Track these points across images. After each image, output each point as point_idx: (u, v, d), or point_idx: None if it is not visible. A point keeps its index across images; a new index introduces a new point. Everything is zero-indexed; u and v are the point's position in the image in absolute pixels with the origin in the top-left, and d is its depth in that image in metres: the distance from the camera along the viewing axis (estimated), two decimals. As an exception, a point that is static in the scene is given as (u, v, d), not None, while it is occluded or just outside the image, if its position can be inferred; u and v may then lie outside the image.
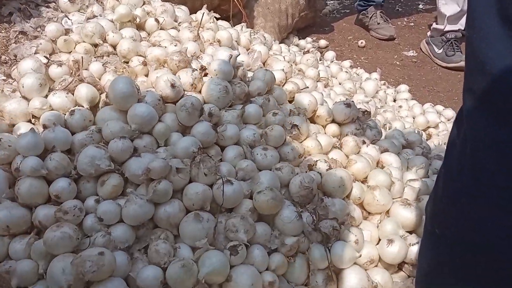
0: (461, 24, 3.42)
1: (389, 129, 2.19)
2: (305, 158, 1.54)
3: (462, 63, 3.35)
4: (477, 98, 0.74)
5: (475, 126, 0.75)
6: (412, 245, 1.35)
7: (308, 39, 3.50)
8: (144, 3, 1.94)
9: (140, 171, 1.23)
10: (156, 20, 1.85)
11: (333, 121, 1.77)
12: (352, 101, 1.83)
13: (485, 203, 0.76)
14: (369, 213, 1.50)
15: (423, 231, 0.98)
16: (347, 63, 3.10)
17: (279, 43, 2.85)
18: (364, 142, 1.70)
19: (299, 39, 3.46)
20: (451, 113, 2.70)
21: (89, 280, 1.03)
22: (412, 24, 4.05)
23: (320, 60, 2.98)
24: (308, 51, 3.17)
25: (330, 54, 3.22)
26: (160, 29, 1.86)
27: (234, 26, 2.39)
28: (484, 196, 0.76)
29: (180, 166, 1.26)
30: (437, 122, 2.52)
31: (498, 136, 0.70)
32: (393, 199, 1.49)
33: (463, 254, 0.83)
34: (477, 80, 0.72)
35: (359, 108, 1.84)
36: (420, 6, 4.39)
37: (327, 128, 1.75)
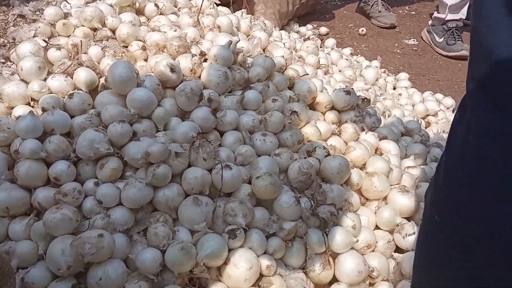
0: (463, 13, 3.40)
1: (388, 117, 2.19)
2: (304, 144, 1.55)
3: (463, 52, 3.35)
4: (481, 86, 0.74)
5: (479, 114, 0.74)
6: (409, 235, 1.35)
7: (309, 26, 3.47)
8: (143, -12, 1.93)
9: (139, 155, 1.24)
10: (156, 5, 1.84)
11: (332, 108, 1.77)
12: (352, 88, 1.83)
13: (487, 190, 0.76)
14: (367, 199, 1.51)
15: (422, 218, 0.98)
16: (347, 51, 3.09)
17: (280, 29, 2.83)
18: (363, 129, 1.70)
19: (300, 26, 3.44)
20: (450, 102, 2.70)
21: (88, 262, 1.04)
22: (413, 12, 4.03)
23: (320, 47, 2.97)
24: (308, 38, 3.16)
25: (330, 42, 3.20)
26: (160, 14, 1.85)
27: (234, 12, 2.37)
28: (486, 183, 0.76)
29: (179, 150, 1.26)
30: (437, 110, 2.52)
31: (502, 123, 0.70)
32: (391, 185, 1.50)
33: (464, 242, 0.83)
34: (482, 69, 0.72)
35: (358, 96, 1.84)
36: (422, -6, 4.36)
37: (326, 115, 1.76)
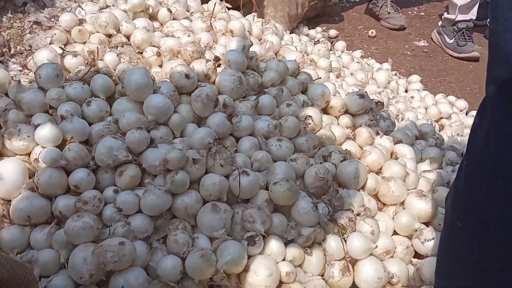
0: (473, 13, 3.39)
1: (401, 120, 2.19)
2: (319, 149, 1.54)
3: (474, 53, 3.33)
4: (500, 89, 0.74)
5: (497, 118, 0.74)
6: (428, 240, 1.34)
7: (318, 28, 3.47)
8: (156, -7, 1.93)
9: (157, 162, 1.24)
10: (169, 10, 1.84)
11: (346, 112, 1.76)
12: (366, 92, 1.83)
13: (505, 194, 0.76)
14: (384, 204, 1.50)
15: (443, 224, 0.98)
16: (358, 53, 3.08)
17: (289, 33, 2.83)
18: (377, 133, 1.69)
19: (309, 29, 3.43)
20: (463, 104, 2.69)
21: (110, 270, 1.04)
22: (422, 13, 4.01)
23: (330, 50, 2.96)
24: (318, 41, 3.15)
25: (340, 44, 3.20)
26: (173, 19, 1.85)
27: (244, 16, 2.37)
28: (504, 187, 0.76)
29: (196, 157, 1.26)
30: (450, 113, 2.51)
31: None
32: (408, 190, 1.49)
33: (483, 247, 0.83)
34: (501, 72, 0.72)
35: (372, 99, 1.84)
36: (431, -5, 4.35)
37: (340, 119, 1.75)
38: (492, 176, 0.77)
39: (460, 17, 3.37)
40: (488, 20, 0.81)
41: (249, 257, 1.18)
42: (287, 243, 1.26)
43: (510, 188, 0.75)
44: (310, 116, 1.57)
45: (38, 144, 1.24)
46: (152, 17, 1.84)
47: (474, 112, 2.56)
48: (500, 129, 0.74)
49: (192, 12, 2.01)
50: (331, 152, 1.51)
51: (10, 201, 1.19)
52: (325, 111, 1.76)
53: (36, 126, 1.25)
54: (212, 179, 1.26)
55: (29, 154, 1.25)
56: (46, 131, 1.20)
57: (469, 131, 2.35)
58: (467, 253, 0.87)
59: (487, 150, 0.77)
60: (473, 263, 0.85)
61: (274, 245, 1.22)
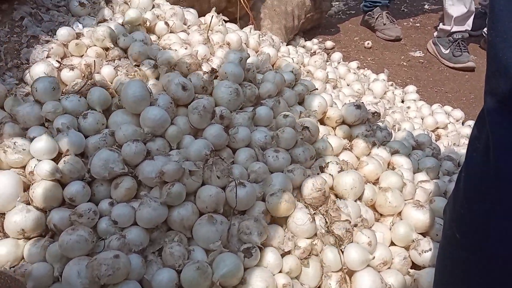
0: (468, 24, 3.41)
1: (398, 130, 2.19)
2: (316, 160, 1.54)
3: (470, 64, 3.35)
4: (500, 101, 0.74)
5: (497, 129, 0.74)
6: (425, 251, 1.34)
7: (314, 40, 3.50)
8: (153, 7, 1.95)
9: (154, 174, 1.24)
10: (166, 23, 1.85)
11: (343, 122, 1.77)
12: (362, 102, 1.83)
13: (507, 207, 0.76)
14: (381, 215, 1.49)
15: (442, 235, 0.97)
16: (354, 64, 3.10)
17: (286, 44, 2.85)
18: (374, 144, 1.70)
19: (305, 40, 3.46)
20: (459, 114, 2.70)
21: (104, 283, 1.04)
22: (418, 24, 4.05)
23: (327, 61, 2.98)
24: (315, 53, 3.18)
25: (336, 55, 3.22)
26: (170, 32, 1.86)
27: (241, 28, 2.39)
28: (506, 200, 0.75)
29: (193, 168, 1.26)
30: (446, 122, 2.52)
31: None
32: (405, 200, 1.49)
33: (483, 260, 0.82)
34: (500, 83, 0.72)
35: (368, 110, 1.84)
36: (426, 7, 4.39)
37: (337, 130, 1.75)
38: (492, 188, 0.77)
39: (455, 28, 3.40)
40: (485, 30, 0.82)
41: (246, 269, 1.17)
42: (283, 254, 1.25)
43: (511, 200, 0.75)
44: (307, 127, 1.58)
45: (33, 157, 1.23)
46: (150, 30, 1.85)
47: (470, 122, 2.58)
48: (501, 142, 0.74)
49: (189, 25, 2.02)
50: (328, 163, 1.51)
51: (4, 214, 1.19)
52: (322, 122, 1.76)
53: (31, 139, 1.25)
54: (209, 190, 1.26)
55: (24, 167, 1.25)
56: (41, 144, 1.20)
57: (465, 141, 2.36)
58: (467, 265, 0.86)
59: (487, 162, 0.77)
60: (473, 275, 0.85)
61: (270, 257, 1.21)
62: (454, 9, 3.35)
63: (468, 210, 0.84)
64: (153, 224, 1.19)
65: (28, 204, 1.19)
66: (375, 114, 1.89)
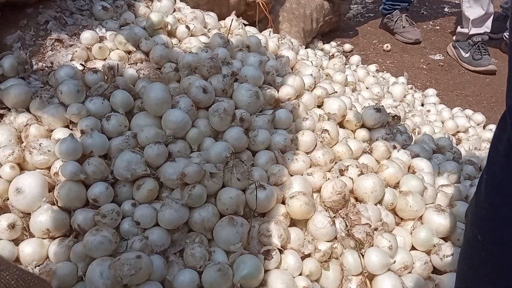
0: (487, 26, 3.36)
1: (418, 134, 2.17)
2: (335, 163, 1.54)
3: (491, 67, 3.30)
4: None
5: None
6: (447, 256, 1.32)
7: (333, 43, 3.49)
8: (174, 10, 1.97)
9: (175, 176, 1.25)
10: (187, 27, 1.87)
11: (362, 126, 1.76)
12: (382, 105, 1.82)
13: None
14: (402, 219, 1.48)
15: (463, 238, 0.96)
16: (373, 67, 3.08)
17: (305, 47, 2.85)
18: (394, 147, 1.68)
19: (324, 43, 3.45)
20: (481, 118, 2.66)
21: (126, 284, 1.05)
22: (437, 27, 4.01)
23: (345, 64, 2.97)
24: (333, 56, 3.17)
25: (355, 58, 3.20)
26: (191, 35, 1.88)
27: (260, 31, 2.40)
28: None
29: (213, 171, 1.27)
30: (467, 126, 2.48)
31: None
32: (426, 205, 1.47)
33: (504, 261, 0.81)
34: None
35: (388, 113, 1.83)
36: (446, 10, 4.34)
37: (356, 133, 1.75)
38: None
39: (473, 30, 3.35)
40: (506, 33, 0.81)
41: (266, 271, 1.18)
42: (304, 257, 1.25)
43: None
44: (327, 130, 1.58)
45: (58, 158, 1.26)
46: (171, 34, 1.88)
47: (491, 126, 2.53)
48: None
49: (209, 29, 2.04)
50: (348, 166, 1.51)
51: (30, 214, 1.21)
52: (341, 125, 1.76)
53: (56, 141, 1.28)
54: (229, 193, 1.26)
55: (49, 168, 1.28)
56: (66, 146, 1.22)
57: (486, 145, 2.33)
58: (491, 267, 0.85)
59: (508, 164, 0.76)
60: (494, 277, 0.84)
61: (291, 259, 1.22)
62: (471, 11, 3.30)
63: (489, 212, 0.83)
64: (174, 225, 1.20)
65: (53, 204, 1.22)
66: (395, 117, 1.88)
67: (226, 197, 1.25)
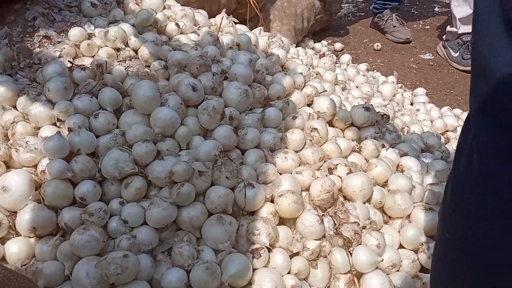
0: (476, 26, 3.37)
1: (407, 133, 2.18)
2: (324, 161, 1.54)
3: (480, 67, 3.32)
4: (483, 104, 0.74)
5: (481, 133, 0.75)
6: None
7: (324, 42, 3.49)
8: (164, 8, 1.96)
9: (164, 174, 1.25)
10: (177, 24, 1.86)
11: (352, 124, 1.77)
12: (371, 104, 1.83)
13: (488, 209, 0.76)
14: (390, 217, 1.49)
15: (436, 234, 0.98)
16: (363, 66, 3.09)
17: (295, 46, 2.86)
18: (383, 146, 1.69)
19: (315, 42, 3.46)
20: (469, 117, 2.67)
21: (113, 283, 1.04)
22: (428, 27, 4.03)
23: (336, 63, 2.98)
24: (324, 54, 3.17)
25: (346, 57, 3.21)
26: (180, 33, 1.87)
27: (250, 29, 2.39)
28: (488, 202, 0.76)
29: (202, 169, 1.27)
30: (456, 125, 2.50)
31: (502, 142, 0.71)
32: (414, 203, 1.48)
33: (474, 259, 0.82)
34: (483, 88, 0.72)
35: (378, 112, 1.84)
36: (436, 9, 4.36)
37: (346, 132, 1.75)
38: (474, 191, 0.78)
39: (462, 29, 3.36)
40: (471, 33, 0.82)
41: (254, 270, 1.18)
42: (292, 256, 1.25)
43: (493, 203, 0.75)
44: (316, 129, 1.58)
45: (45, 156, 1.25)
46: (160, 32, 1.86)
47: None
48: (484, 145, 0.74)
49: (199, 26, 2.03)
50: (337, 164, 1.51)
51: (16, 212, 1.20)
52: (330, 124, 1.76)
53: (43, 139, 1.27)
54: (218, 191, 1.26)
55: (36, 166, 1.26)
56: (53, 143, 1.21)
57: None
58: (456, 265, 0.86)
59: (471, 164, 0.78)
60: (462, 275, 0.85)
61: (279, 258, 1.22)
62: (459, 10, 3.31)
63: (455, 210, 0.85)
64: (162, 224, 1.20)
65: (40, 202, 1.20)
66: (384, 116, 1.89)
67: (215, 196, 1.25)
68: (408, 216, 1.46)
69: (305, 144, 1.52)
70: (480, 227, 0.78)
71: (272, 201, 1.34)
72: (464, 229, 0.82)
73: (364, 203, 1.43)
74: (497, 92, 0.69)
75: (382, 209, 1.48)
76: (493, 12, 0.69)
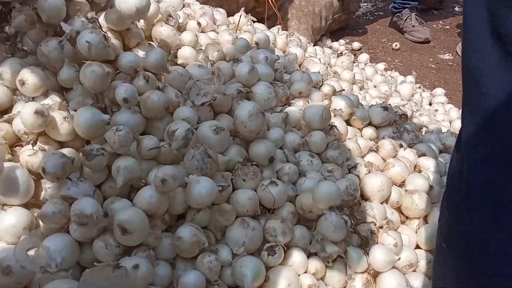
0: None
1: (425, 133, 2.17)
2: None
3: (500, 67, 3.28)
4: (471, 110, 0.75)
5: (469, 139, 0.76)
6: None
7: (341, 41, 3.49)
8: (183, 6, 1.97)
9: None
10: (198, 23, 1.87)
11: (369, 124, 1.76)
12: (389, 104, 1.82)
13: (479, 219, 0.77)
14: (407, 217, 1.49)
15: (435, 243, 0.98)
16: (381, 66, 3.08)
17: (313, 45, 2.86)
18: (401, 146, 1.68)
19: (332, 41, 3.46)
20: (489, 118, 2.64)
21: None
22: (447, 27, 3.98)
23: (354, 62, 2.97)
24: (341, 54, 3.17)
25: (363, 57, 3.20)
26: (200, 31, 1.89)
27: (268, 28, 2.40)
28: (478, 212, 0.77)
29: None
30: (475, 126, 2.47)
31: (490, 149, 0.72)
32: (431, 204, 1.48)
33: (466, 269, 0.83)
34: (472, 93, 0.74)
35: (396, 111, 1.83)
36: (456, 9, 4.31)
37: (363, 131, 1.75)
38: (466, 200, 0.79)
39: (482, 30, 3.32)
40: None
41: (270, 267, 1.18)
42: (310, 255, 1.25)
43: (483, 213, 0.76)
44: (335, 126, 1.58)
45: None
46: (182, 29, 1.87)
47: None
48: (472, 151, 0.75)
49: (218, 25, 2.04)
50: (357, 164, 1.50)
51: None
52: (348, 123, 1.76)
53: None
54: (246, 194, 1.24)
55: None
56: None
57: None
58: (455, 272, 0.87)
59: (462, 171, 0.78)
60: (460, 282, 0.85)
61: (296, 257, 1.21)
62: None
63: (449, 219, 0.85)
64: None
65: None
66: (402, 116, 1.88)
67: (245, 199, 1.23)
68: (426, 217, 1.45)
69: (331, 144, 1.51)
70: (473, 237, 0.79)
71: (291, 201, 1.33)
72: (458, 239, 0.83)
73: (381, 203, 1.43)
74: (487, 102, 0.69)
75: (399, 209, 1.48)
76: (481, 19, 0.69)
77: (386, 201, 1.45)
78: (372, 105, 1.85)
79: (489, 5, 0.67)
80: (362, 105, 1.94)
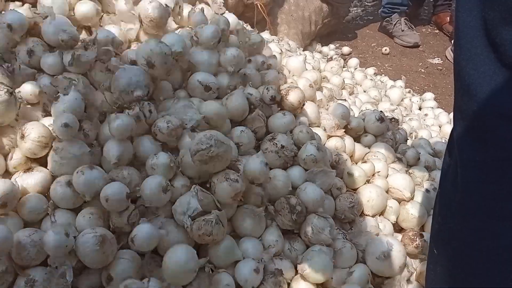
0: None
1: (415, 138, 2.16)
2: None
3: (489, 72, 3.30)
4: (463, 117, 0.75)
5: (463, 146, 0.76)
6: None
7: (331, 46, 3.48)
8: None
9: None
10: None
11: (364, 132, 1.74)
12: (381, 111, 1.79)
13: (473, 227, 0.77)
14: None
15: (428, 248, 0.98)
16: (371, 70, 3.07)
17: (303, 50, 2.84)
18: (395, 155, 1.67)
19: (322, 46, 3.44)
20: (478, 123, 2.65)
21: None
22: (437, 31, 4.00)
23: (343, 67, 2.96)
24: (331, 58, 3.16)
25: (353, 61, 3.19)
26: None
27: (258, 33, 2.38)
28: (473, 219, 0.77)
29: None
30: (465, 131, 2.47)
31: (483, 155, 0.71)
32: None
33: (456, 277, 0.83)
34: (464, 100, 0.73)
35: (387, 116, 1.81)
36: (445, 13, 4.34)
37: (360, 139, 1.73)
38: (462, 203, 0.78)
39: (470, 34, 3.35)
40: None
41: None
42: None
43: (475, 220, 0.75)
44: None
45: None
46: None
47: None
48: (466, 157, 0.75)
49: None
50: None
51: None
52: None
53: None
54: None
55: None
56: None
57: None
58: (446, 277, 0.86)
59: (455, 177, 0.78)
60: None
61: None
62: None
63: (442, 225, 0.85)
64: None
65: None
66: (393, 120, 1.86)
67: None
68: (423, 226, 1.44)
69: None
70: (464, 242, 0.78)
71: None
72: (449, 243, 0.82)
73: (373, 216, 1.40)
74: (480, 110, 0.69)
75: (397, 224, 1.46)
76: (475, 27, 0.68)
77: (383, 213, 1.43)
78: (366, 113, 1.77)
79: (484, 13, 0.66)
80: (352, 110, 1.90)
